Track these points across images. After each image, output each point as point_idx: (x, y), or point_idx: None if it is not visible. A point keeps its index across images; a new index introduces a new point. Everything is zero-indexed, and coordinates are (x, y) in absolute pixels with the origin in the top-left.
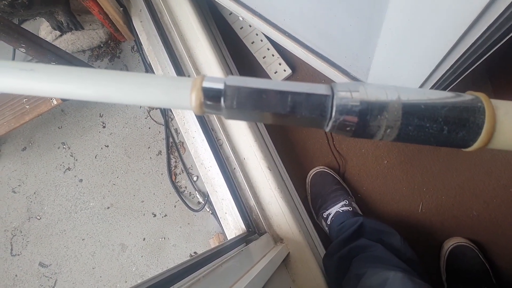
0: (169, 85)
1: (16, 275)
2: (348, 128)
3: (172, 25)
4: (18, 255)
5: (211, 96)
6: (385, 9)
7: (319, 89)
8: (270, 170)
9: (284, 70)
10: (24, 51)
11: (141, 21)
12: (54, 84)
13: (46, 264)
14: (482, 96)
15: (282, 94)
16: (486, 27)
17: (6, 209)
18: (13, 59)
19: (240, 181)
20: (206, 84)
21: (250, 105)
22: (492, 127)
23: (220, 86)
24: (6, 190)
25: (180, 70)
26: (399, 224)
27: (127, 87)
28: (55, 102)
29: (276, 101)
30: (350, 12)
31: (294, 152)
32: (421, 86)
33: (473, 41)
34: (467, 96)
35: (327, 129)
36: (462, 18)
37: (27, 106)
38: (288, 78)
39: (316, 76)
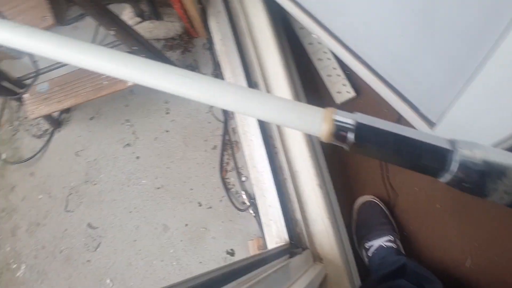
0: (303, 111)
1: (66, 229)
2: (464, 184)
3: (247, 31)
4: (71, 212)
5: (340, 129)
6: (482, 63)
7: (442, 142)
8: (321, 188)
9: (348, 92)
10: (114, 33)
11: (217, 22)
12: (208, 94)
13: (94, 226)
14: None
15: (410, 141)
16: None
17: (68, 169)
18: (93, 40)
19: (290, 193)
20: (337, 117)
21: (379, 145)
22: None
23: (351, 121)
24: (70, 152)
25: (249, 76)
26: (442, 273)
27: (269, 108)
28: (130, 83)
29: (403, 146)
30: (439, 56)
31: (346, 175)
32: (495, 144)
33: None
34: None
35: (443, 180)
36: None
37: (105, 82)
38: (351, 101)
39: (381, 105)
